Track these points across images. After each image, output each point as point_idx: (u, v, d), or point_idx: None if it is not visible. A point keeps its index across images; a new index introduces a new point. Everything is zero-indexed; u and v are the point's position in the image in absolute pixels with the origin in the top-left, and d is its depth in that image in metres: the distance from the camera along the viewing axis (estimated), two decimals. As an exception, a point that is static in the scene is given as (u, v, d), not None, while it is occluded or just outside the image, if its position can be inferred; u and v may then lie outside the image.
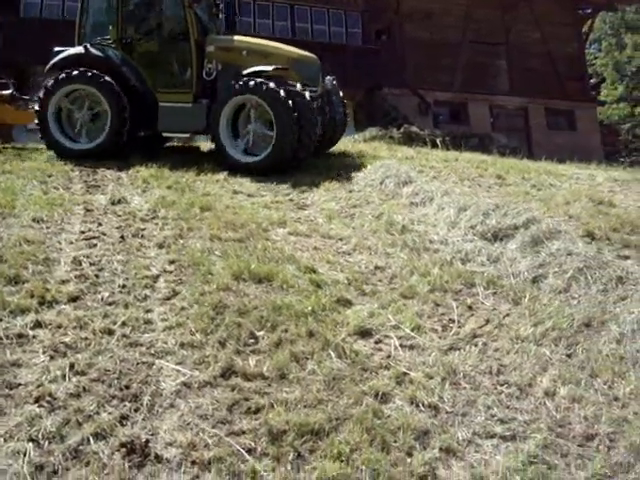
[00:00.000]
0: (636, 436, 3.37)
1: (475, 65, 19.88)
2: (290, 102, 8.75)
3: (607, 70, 27.52)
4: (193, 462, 2.84)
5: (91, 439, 2.89)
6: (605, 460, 3.20)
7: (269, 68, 9.23)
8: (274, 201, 7.86)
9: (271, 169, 8.81)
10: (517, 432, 3.38)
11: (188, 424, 3.10)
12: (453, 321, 4.70)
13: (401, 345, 4.20)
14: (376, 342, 4.22)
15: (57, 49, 10.28)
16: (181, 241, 5.73)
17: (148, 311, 4.26)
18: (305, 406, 3.32)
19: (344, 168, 9.89)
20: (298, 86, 9.22)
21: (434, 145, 14.11)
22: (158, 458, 2.83)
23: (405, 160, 10.76)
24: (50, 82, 9.81)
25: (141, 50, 10.17)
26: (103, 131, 9.71)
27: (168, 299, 4.48)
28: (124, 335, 3.89)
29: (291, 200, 8.02)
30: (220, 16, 11.03)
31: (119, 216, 6.39)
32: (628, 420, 3.57)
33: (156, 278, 4.83)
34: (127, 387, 3.34)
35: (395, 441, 3.12)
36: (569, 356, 4.30)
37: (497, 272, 5.67)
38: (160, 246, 5.57)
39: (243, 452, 2.91)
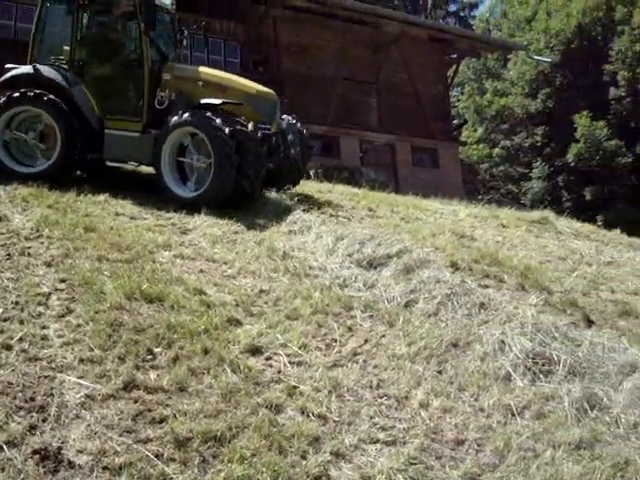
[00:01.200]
0: (500, 441, 3.87)
1: (348, 101, 20.71)
2: (230, 136, 8.49)
3: (469, 112, 29.52)
4: (104, 467, 3.01)
5: (4, 447, 2.99)
6: (474, 461, 3.66)
7: (218, 101, 9.02)
8: (157, 224, 7.98)
9: (209, 204, 8.44)
10: (397, 438, 3.79)
11: (96, 433, 3.26)
12: (335, 341, 5.09)
13: (290, 362, 4.53)
14: (266, 359, 4.52)
15: (9, 66, 9.87)
16: (69, 260, 5.78)
17: (44, 327, 4.35)
18: (206, 416, 3.56)
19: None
20: (250, 123, 8.98)
21: (308, 177, 14.65)
22: (71, 464, 2.98)
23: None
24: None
25: (93, 73, 9.81)
26: (53, 153, 9.34)
27: (62, 316, 4.57)
28: (23, 350, 3.96)
29: (173, 224, 8.16)
30: (184, 44, 10.78)
31: (2, 234, 6.32)
32: (492, 428, 4.08)
33: (48, 296, 4.89)
34: (32, 399, 3.44)
35: (290, 446, 3.43)
36: (440, 372, 4.79)
37: (373, 297, 6.12)
38: (48, 265, 5.60)
39: (152, 457, 3.12)
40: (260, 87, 9.94)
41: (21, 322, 4.33)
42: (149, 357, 4.14)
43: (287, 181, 10.33)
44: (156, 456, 3.14)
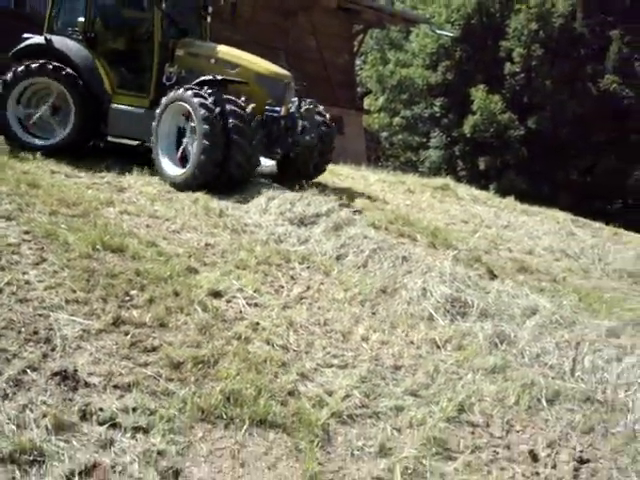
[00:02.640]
0: (430, 367, 4.64)
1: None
2: (217, 116, 8.17)
3: (371, 82, 30.35)
4: (115, 386, 3.53)
5: (27, 370, 3.46)
6: (412, 381, 4.40)
7: (218, 78, 8.75)
8: (93, 182, 8.30)
9: (195, 186, 8.25)
10: (348, 363, 4.49)
11: (99, 359, 3.77)
12: (282, 287, 5.73)
13: (248, 303, 5.13)
14: (227, 301, 5.10)
15: (25, 36, 9.79)
16: (25, 215, 6.09)
17: (24, 273, 4.73)
18: (189, 346, 4.13)
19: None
20: (250, 105, 8.62)
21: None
22: (87, 383, 3.49)
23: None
24: (9, 75, 9.31)
25: (105, 47, 9.67)
26: (66, 126, 9.33)
27: (38, 264, 4.95)
28: (13, 293, 4.35)
29: (109, 183, 8.49)
30: (208, 20, 10.46)
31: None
32: (423, 357, 4.85)
33: (18, 246, 5.24)
34: (36, 333, 3.89)
35: (264, 368, 4.06)
36: (374, 313, 5.53)
37: (308, 251, 6.78)
38: (8, 219, 5.89)
39: (155, 377, 3.67)
40: (274, 67, 9.58)
41: (2, 269, 4.70)
42: (127, 298, 4.64)
43: (303, 169, 9.87)
44: (157, 376, 3.69)
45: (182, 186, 8.36)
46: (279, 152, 9.35)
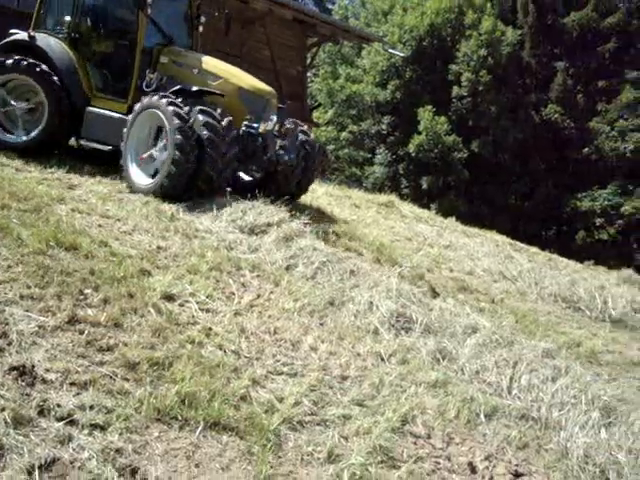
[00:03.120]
0: (375, 378, 4.80)
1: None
2: (188, 127, 8.01)
3: (321, 95, 30.67)
4: (72, 383, 3.56)
5: (-17, 364, 3.47)
6: (358, 391, 4.56)
7: (194, 88, 8.58)
8: (44, 178, 8.22)
9: (162, 196, 8.06)
10: (297, 371, 4.61)
11: (56, 356, 3.79)
12: (233, 294, 5.81)
13: (200, 308, 5.20)
14: (180, 305, 5.17)
15: (12, 31, 9.71)
16: (-24, 207, 6.03)
17: (-23, 266, 4.70)
18: (144, 347, 4.19)
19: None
20: (226, 119, 8.39)
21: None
22: (44, 380, 3.51)
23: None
24: None
25: (89, 48, 9.54)
26: (39, 124, 9.16)
27: (-10, 258, 4.93)
28: (-34, 286, 4.34)
29: (59, 179, 8.43)
30: (200, 30, 10.39)
31: None
32: (368, 368, 5.02)
33: (-31, 239, 5.20)
34: (-9, 327, 3.89)
35: (217, 373, 4.15)
36: (322, 324, 5.68)
37: (258, 259, 6.88)
38: (-42, 210, 5.82)
39: (111, 376, 3.72)
40: (257, 83, 9.39)
41: (-47, 261, 4.67)
42: (82, 297, 4.65)
43: (283, 188, 9.51)
44: (113, 375, 3.74)
45: (151, 194, 8.15)
46: (254, 169, 9.24)
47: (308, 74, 26.95)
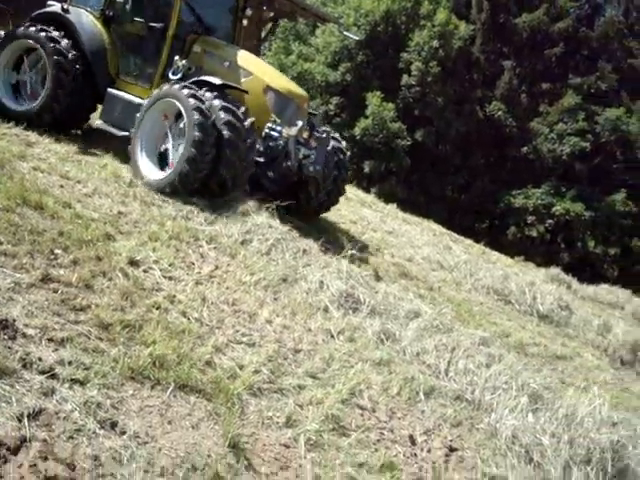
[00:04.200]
0: (326, 353, 5.15)
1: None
2: (208, 121, 7.52)
3: (272, 69, 30.57)
4: (50, 339, 3.75)
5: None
6: (310, 364, 4.89)
7: (217, 81, 7.98)
8: (3, 133, 8.18)
9: (173, 191, 7.58)
10: (255, 342, 4.91)
11: (33, 313, 3.96)
12: (193, 264, 6.04)
13: (163, 276, 5.42)
14: (144, 271, 5.36)
15: (50, 2, 9.53)
16: (-61, 159, 6.05)
17: (-53, 221, 4.79)
18: (114, 309, 4.39)
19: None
20: (250, 118, 7.85)
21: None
22: (24, 334, 3.69)
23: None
24: (3, 34, 9.23)
25: (120, 29, 9.17)
26: (40, 95, 8.84)
27: (-41, 213, 5.02)
28: (-61, 238, 4.44)
29: (16, 135, 8.38)
30: (244, 23, 9.89)
31: None
32: (319, 343, 5.36)
33: (-63, 192, 5.25)
34: (-32, 280, 4.03)
35: (184, 338, 4.40)
36: (276, 299, 5.97)
37: (215, 232, 7.09)
38: None
39: (86, 335, 3.93)
40: (289, 85, 9.05)
41: None
42: (52, 257, 4.80)
43: (306, 201, 9.15)
44: (88, 335, 3.95)
45: (157, 190, 7.67)
46: (272, 176, 8.55)
47: (261, 48, 26.95)
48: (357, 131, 27.14)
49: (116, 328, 4.13)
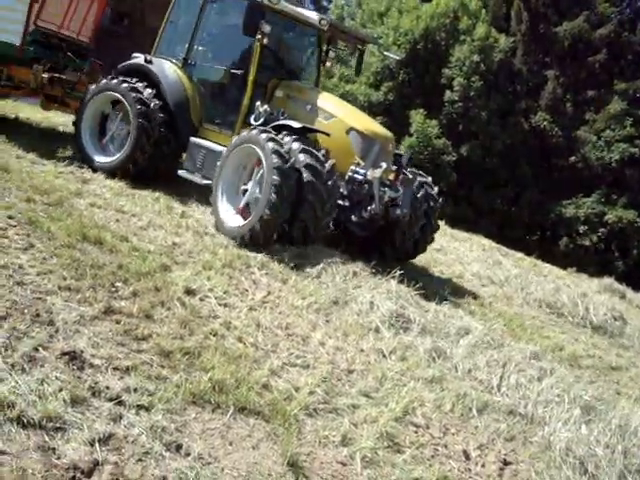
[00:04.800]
0: (378, 372, 5.23)
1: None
2: (289, 167, 7.37)
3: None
4: (115, 368, 3.98)
5: (39, 348, 3.88)
6: (363, 384, 4.99)
7: (296, 124, 7.93)
8: (60, 172, 8.62)
9: (254, 239, 7.46)
10: (309, 364, 5.05)
11: (99, 343, 4.19)
12: (247, 290, 6.25)
13: (219, 303, 5.64)
14: (200, 299, 5.59)
15: (134, 55, 9.87)
16: (5, 199, 6.41)
17: (17, 257, 5.09)
18: (174, 337, 4.61)
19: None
20: (330, 160, 7.70)
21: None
22: (92, 364, 3.92)
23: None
24: (93, 87, 9.57)
25: (202, 76, 9.38)
26: (124, 147, 9.11)
27: (27, 249, 5.32)
28: (10, 275, 4.73)
29: (72, 173, 8.83)
30: (329, 65, 10.07)
31: None
32: (371, 363, 5.46)
33: (5, 230, 5.58)
34: (38, 315, 4.28)
35: (240, 363, 4.58)
36: (328, 321, 6.11)
37: (266, 258, 7.29)
38: (-11, 202, 6.19)
39: (149, 363, 4.14)
40: (373, 126, 8.77)
41: (-4, 251, 5.06)
42: (114, 290, 5.07)
43: (389, 247, 8.85)
44: (151, 362, 4.16)
45: (238, 239, 7.52)
46: (357, 220, 8.15)
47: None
48: (402, 150, 27.17)
49: (176, 355, 4.34)
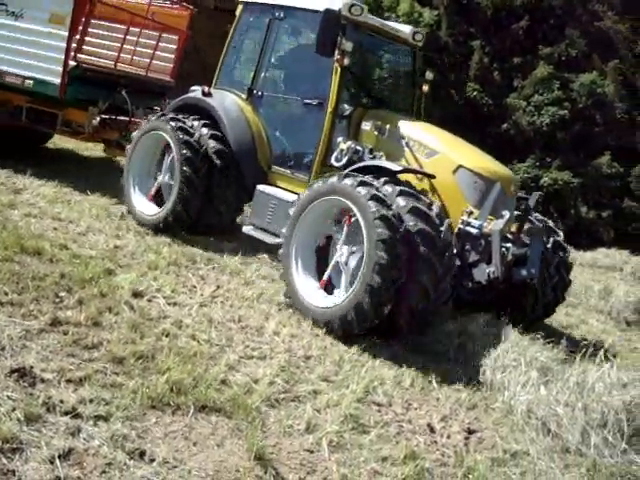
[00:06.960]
0: (336, 356, 5.27)
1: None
2: (393, 215, 5.58)
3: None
4: (68, 380, 3.85)
5: (-16, 368, 3.74)
6: (322, 369, 4.99)
7: (396, 167, 6.24)
8: (-13, 185, 8.33)
9: (343, 328, 5.67)
10: (266, 355, 5.02)
11: (48, 357, 4.06)
12: (195, 287, 6.16)
13: (167, 303, 5.54)
14: (149, 300, 5.49)
15: (193, 88, 8.42)
16: None
17: (-50, 276, 4.89)
18: (125, 342, 4.50)
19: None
20: (436, 207, 5.97)
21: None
22: (42, 379, 3.80)
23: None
24: (140, 127, 8.33)
25: (270, 109, 7.87)
26: (169, 197, 7.73)
27: (-38, 267, 5.12)
28: (-54, 296, 4.54)
29: (3, 184, 8.53)
30: (424, 90, 8.02)
31: None
32: (329, 348, 5.48)
33: (-63, 250, 5.36)
34: (-19, 333, 4.14)
35: (196, 361, 4.50)
36: (280, 310, 6.08)
37: (211, 253, 7.21)
38: None
39: (102, 371, 4.03)
40: (489, 164, 6.86)
41: None
42: (58, 300, 4.92)
43: (523, 313, 6.85)
44: (104, 371, 4.06)
45: (321, 322, 5.82)
46: (469, 285, 6.26)
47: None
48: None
49: (130, 360, 4.24)
